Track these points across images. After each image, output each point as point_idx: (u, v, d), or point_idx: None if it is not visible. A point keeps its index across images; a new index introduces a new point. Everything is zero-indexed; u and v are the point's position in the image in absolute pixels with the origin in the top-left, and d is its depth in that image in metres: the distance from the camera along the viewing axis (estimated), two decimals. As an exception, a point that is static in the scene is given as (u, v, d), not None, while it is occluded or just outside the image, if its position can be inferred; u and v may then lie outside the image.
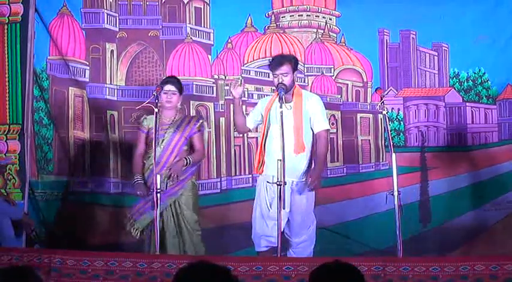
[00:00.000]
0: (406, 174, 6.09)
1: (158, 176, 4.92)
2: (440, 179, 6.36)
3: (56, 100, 6.32)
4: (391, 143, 4.87)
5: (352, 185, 6.46)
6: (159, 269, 4.31)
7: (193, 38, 6.49)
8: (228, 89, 6.03)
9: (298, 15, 6.65)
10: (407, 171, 6.18)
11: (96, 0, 6.41)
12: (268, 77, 5.80)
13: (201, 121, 5.64)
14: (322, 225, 5.66)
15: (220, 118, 6.50)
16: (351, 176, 6.49)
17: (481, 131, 6.44)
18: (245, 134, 6.46)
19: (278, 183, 4.66)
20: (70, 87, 6.35)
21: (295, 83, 5.29)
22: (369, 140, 6.57)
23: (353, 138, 6.56)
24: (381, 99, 5.00)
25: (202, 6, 6.54)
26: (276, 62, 5.22)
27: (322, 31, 6.62)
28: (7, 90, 6.04)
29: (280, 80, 5.10)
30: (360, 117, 6.58)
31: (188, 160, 5.39)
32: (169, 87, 5.41)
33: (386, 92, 6.37)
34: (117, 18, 6.49)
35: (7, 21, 6.09)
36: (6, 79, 6.05)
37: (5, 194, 5.89)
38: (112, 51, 6.48)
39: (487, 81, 6.41)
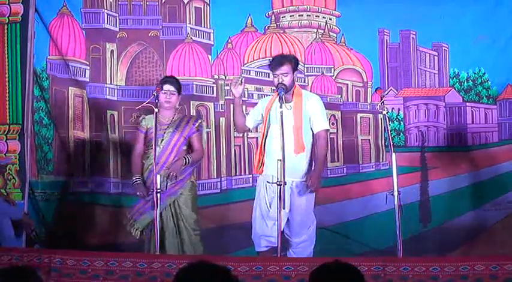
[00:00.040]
0: (406, 174, 6.09)
1: (158, 176, 4.92)
2: (440, 179, 6.36)
3: (56, 100, 6.32)
4: (391, 143, 4.87)
5: (352, 185, 6.46)
6: (159, 269, 4.30)
7: (194, 38, 6.49)
8: (228, 88, 6.05)
9: (298, 15, 6.65)
10: (408, 171, 6.18)
11: (96, 0, 6.41)
12: (268, 77, 5.80)
13: (199, 121, 5.65)
14: (322, 225, 5.66)
15: (221, 118, 6.50)
16: (351, 176, 6.49)
17: (481, 131, 6.44)
18: (245, 134, 6.46)
19: (278, 183, 4.67)
20: (70, 87, 6.35)
21: (295, 83, 5.29)
22: (369, 140, 6.57)
23: (353, 138, 6.56)
24: (381, 99, 5.00)
25: (202, 6, 6.54)
26: (276, 62, 5.22)
27: (322, 31, 6.62)
28: (7, 90, 6.04)
29: (280, 80, 5.10)
30: (360, 117, 6.58)
31: (187, 159, 5.40)
32: (168, 87, 5.41)
33: (386, 92, 6.37)
34: (117, 18, 6.49)
35: (7, 21, 6.09)
36: (6, 79, 6.05)
37: (5, 194, 5.89)
38: (112, 51, 6.48)
39: (487, 81, 6.41)
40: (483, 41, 6.28)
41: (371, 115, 6.56)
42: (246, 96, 6.35)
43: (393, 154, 4.78)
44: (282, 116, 4.81)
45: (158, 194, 4.88)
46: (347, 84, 6.63)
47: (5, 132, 6.04)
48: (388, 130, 4.91)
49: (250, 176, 6.41)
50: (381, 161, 6.51)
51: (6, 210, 5.51)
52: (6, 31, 6.07)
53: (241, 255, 5.54)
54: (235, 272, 4.09)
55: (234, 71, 6.47)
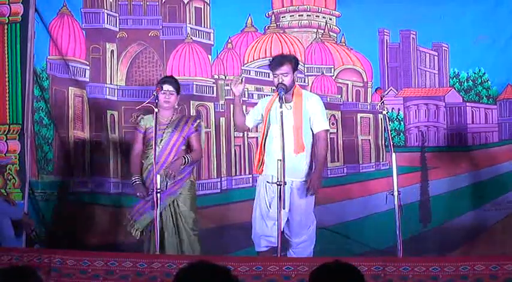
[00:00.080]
0: (406, 174, 6.09)
1: (158, 176, 4.92)
2: (441, 179, 6.35)
3: (56, 100, 6.32)
4: (391, 143, 4.87)
5: (352, 185, 6.46)
6: (159, 269, 4.30)
7: (194, 38, 6.49)
8: (229, 88, 6.06)
9: (299, 15, 6.65)
10: (408, 171, 6.18)
11: (96, 0, 6.41)
12: (268, 77, 5.81)
13: (198, 121, 5.65)
14: (322, 225, 5.67)
15: (221, 118, 6.50)
16: (351, 176, 6.49)
17: (481, 131, 6.44)
18: (245, 134, 6.47)
19: (278, 183, 4.66)
20: (70, 87, 6.35)
21: (296, 83, 5.29)
22: (369, 140, 6.57)
23: (353, 138, 6.56)
24: (381, 99, 5.00)
25: (202, 6, 6.54)
26: (276, 62, 5.22)
27: (322, 31, 6.62)
28: (7, 90, 6.04)
29: (280, 80, 5.11)
30: (360, 117, 6.58)
31: (187, 159, 5.41)
32: (167, 87, 5.42)
33: (386, 92, 6.37)
34: (117, 18, 6.49)
35: (7, 21, 6.09)
36: (6, 79, 6.05)
37: (5, 194, 5.89)
38: (112, 51, 6.48)
39: (487, 81, 6.41)
40: (483, 41, 6.28)
41: (371, 115, 6.56)
42: (246, 96, 6.35)
43: (393, 154, 4.78)
44: (282, 116, 4.81)
45: (158, 194, 4.88)
46: (347, 84, 6.63)
47: (5, 132, 6.04)
48: (388, 130, 4.91)
49: (250, 176, 6.41)
50: (381, 161, 6.51)
51: (6, 210, 5.51)
52: (6, 31, 6.07)
53: (241, 255, 5.54)
54: (235, 272, 4.09)
55: (234, 71, 6.46)
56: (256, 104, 5.66)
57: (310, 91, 6.21)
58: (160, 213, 5.12)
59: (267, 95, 6.03)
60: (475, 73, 6.42)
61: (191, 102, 6.45)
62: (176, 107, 5.59)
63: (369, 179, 6.44)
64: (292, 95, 5.20)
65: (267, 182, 5.02)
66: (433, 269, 4.16)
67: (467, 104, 6.46)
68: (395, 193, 4.70)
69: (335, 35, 6.62)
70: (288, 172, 4.74)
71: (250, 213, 5.29)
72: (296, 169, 5.08)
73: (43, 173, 6.24)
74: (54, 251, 4.49)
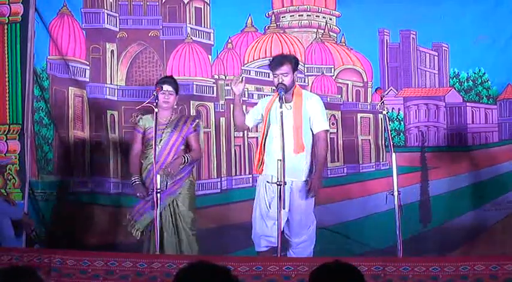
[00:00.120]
0: (406, 174, 6.09)
1: (158, 176, 4.92)
2: (441, 179, 6.35)
3: (56, 100, 6.32)
4: (391, 143, 4.87)
5: (352, 185, 6.46)
6: (159, 269, 4.31)
7: (194, 38, 6.49)
8: (229, 88, 6.07)
9: (299, 15, 6.65)
10: (408, 171, 6.18)
11: (96, 0, 6.41)
12: (269, 77, 5.81)
13: (197, 120, 5.65)
14: (322, 225, 5.67)
15: (221, 118, 6.50)
16: (351, 176, 6.49)
17: (481, 131, 6.44)
18: (245, 134, 6.47)
19: (278, 183, 4.66)
20: (70, 87, 6.35)
21: (296, 83, 5.29)
22: (369, 140, 6.57)
23: (353, 138, 6.56)
24: (381, 99, 5.00)
25: (202, 6, 6.54)
26: (276, 62, 5.22)
27: (322, 31, 6.61)
28: (7, 90, 6.05)
29: (280, 80, 5.11)
30: (360, 117, 6.58)
31: (186, 158, 5.42)
32: (167, 87, 5.42)
33: (386, 92, 6.37)
34: (118, 18, 6.49)
35: (7, 21, 6.09)
36: (6, 79, 6.05)
37: (5, 194, 5.89)
38: (112, 51, 6.48)
39: (487, 81, 6.40)
40: (483, 41, 6.28)
41: (371, 115, 6.56)
42: (246, 96, 6.35)
43: (393, 154, 4.78)
44: (282, 116, 4.81)
45: (158, 194, 4.89)
46: (347, 84, 6.63)
47: (5, 132, 6.05)
48: (388, 130, 4.92)
49: (250, 176, 6.41)
50: (381, 161, 6.51)
51: (6, 210, 5.51)
52: (6, 31, 6.08)
53: (241, 255, 5.53)
54: (235, 272, 4.09)
55: (234, 71, 6.46)
56: (256, 104, 5.66)
57: (310, 91, 6.21)
58: (160, 213, 5.12)
59: (267, 95, 6.03)
60: (475, 73, 6.42)
61: (191, 102, 6.44)
62: (175, 107, 5.59)
63: (368, 179, 6.44)
64: (292, 94, 5.20)
65: (267, 182, 5.02)
66: (433, 269, 4.16)
67: (468, 104, 6.46)
68: (395, 193, 4.70)
69: (335, 35, 6.62)
70: (287, 172, 4.74)
71: (250, 213, 5.29)
72: (296, 169, 5.08)
73: (43, 173, 6.24)
74: (54, 251, 4.49)
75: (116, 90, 6.46)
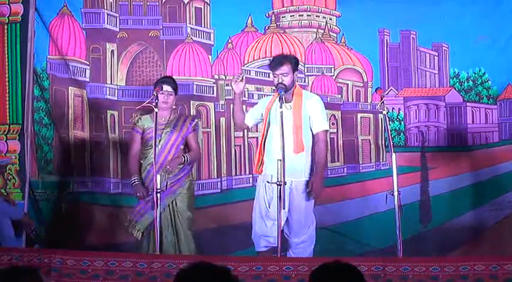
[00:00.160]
0: (406, 174, 6.09)
1: (158, 176, 4.92)
2: (441, 179, 6.35)
3: (56, 100, 6.32)
4: (391, 143, 4.88)
5: (352, 185, 6.46)
6: (159, 269, 4.31)
7: (194, 38, 6.49)
8: (229, 88, 6.08)
9: (299, 15, 6.65)
10: (408, 171, 6.18)
11: (96, 0, 6.41)
12: (269, 77, 5.81)
13: (196, 120, 5.66)
14: (322, 225, 5.67)
15: (221, 118, 6.50)
16: (351, 176, 6.49)
17: (481, 131, 6.44)
18: (245, 134, 6.47)
19: (278, 183, 4.66)
20: (70, 87, 6.35)
21: (296, 83, 5.29)
22: (369, 140, 6.57)
23: (353, 138, 6.56)
24: (381, 99, 5.00)
25: (202, 6, 6.54)
26: (276, 62, 5.22)
27: (322, 31, 6.62)
28: (7, 90, 6.05)
29: (280, 80, 5.10)
30: (360, 117, 6.58)
31: (186, 158, 5.43)
32: (166, 87, 5.43)
33: (386, 92, 6.37)
34: (118, 18, 6.49)
35: (7, 21, 6.09)
36: (6, 79, 6.05)
37: (5, 194, 5.89)
38: (112, 51, 6.48)
39: (488, 81, 6.40)
40: (483, 41, 6.28)
41: (371, 115, 6.56)
42: (246, 96, 6.35)
43: (393, 154, 4.78)
44: (282, 116, 4.81)
45: (158, 194, 4.89)
46: (347, 84, 6.63)
47: (5, 132, 6.05)
48: (388, 130, 4.92)
49: (251, 175, 6.41)
50: (381, 161, 6.51)
51: (6, 210, 5.51)
52: (6, 31, 6.08)
53: (241, 255, 5.54)
54: (235, 272, 4.09)
55: (234, 71, 6.46)
56: (256, 103, 5.67)
57: (311, 91, 6.21)
58: (160, 214, 5.12)
59: (267, 95, 6.03)
60: (475, 73, 6.42)
61: (191, 102, 6.44)
62: (174, 107, 5.59)
63: (368, 179, 6.44)
64: (292, 94, 5.20)
65: (267, 182, 5.01)
66: (433, 269, 4.16)
67: (468, 104, 6.46)
68: (396, 193, 4.70)
69: (335, 35, 6.62)
70: (287, 172, 4.74)
71: (250, 213, 5.29)
72: (296, 169, 5.08)
73: (43, 173, 6.24)
74: (54, 251, 4.49)
75: (116, 90, 6.46)
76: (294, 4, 6.64)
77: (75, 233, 6.13)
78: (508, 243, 6.01)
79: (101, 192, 6.36)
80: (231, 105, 6.22)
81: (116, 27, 6.49)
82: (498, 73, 6.35)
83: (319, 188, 5.12)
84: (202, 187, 6.35)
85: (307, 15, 6.65)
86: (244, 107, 5.66)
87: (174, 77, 5.83)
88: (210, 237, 6.04)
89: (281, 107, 4.85)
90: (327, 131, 5.31)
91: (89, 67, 6.40)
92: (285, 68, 5.14)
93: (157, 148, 5.26)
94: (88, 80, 6.40)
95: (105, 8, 6.42)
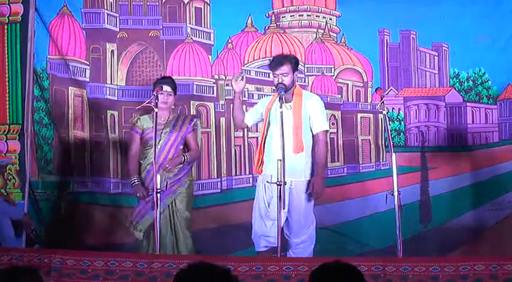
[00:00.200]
0: (406, 174, 6.09)
1: (158, 176, 4.92)
2: (441, 179, 6.35)
3: (56, 100, 6.32)
4: (391, 143, 4.87)
5: (352, 185, 6.45)
6: (159, 269, 4.30)
7: (194, 38, 6.49)
8: (229, 88, 6.09)
9: (299, 15, 6.65)
10: (408, 171, 6.18)
11: (96, 0, 6.41)
12: (269, 77, 5.81)
13: (195, 120, 5.67)
14: (322, 225, 5.67)
15: (221, 118, 6.50)
16: (351, 176, 6.49)
17: (481, 131, 6.44)
18: (245, 134, 6.47)
19: (278, 183, 4.66)
20: (70, 87, 6.35)
21: (296, 83, 5.29)
22: (369, 140, 6.57)
23: (353, 138, 6.56)
24: (381, 99, 5.00)
25: (202, 6, 6.54)
26: (276, 62, 5.22)
27: (322, 31, 6.62)
28: (7, 90, 6.05)
29: (280, 80, 5.10)
30: (360, 117, 6.58)
31: (186, 157, 5.43)
32: (166, 87, 5.43)
33: (386, 92, 6.37)
34: (118, 18, 6.49)
35: (7, 21, 6.09)
36: (6, 79, 6.05)
37: (5, 194, 5.89)
38: (112, 51, 6.48)
39: (488, 81, 6.40)
40: (483, 41, 6.28)
41: (371, 115, 6.56)
42: (246, 96, 6.35)
43: (393, 154, 4.78)
44: (282, 116, 4.81)
45: (158, 194, 4.89)
46: (347, 84, 6.63)
47: (5, 132, 6.05)
48: (388, 130, 4.92)
49: (251, 175, 6.41)
50: (381, 161, 6.51)
51: (6, 210, 5.51)
52: (6, 31, 6.08)
53: (241, 255, 5.53)
54: (235, 272, 4.09)
55: (234, 71, 6.46)
56: (256, 103, 5.67)
57: (311, 91, 6.21)
58: (161, 214, 5.11)
59: (267, 95, 6.03)
60: (475, 73, 6.42)
61: (191, 102, 6.44)
62: (172, 107, 5.59)
63: (368, 179, 6.44)
64: (292, 94, 5.20)
65: (267, 181, 5.01)
66: (433, 269, 4.16)
67: (468, 104, 6.46)
68: (396, 193, 4.70)
69: (335, 35, 6.62)
70: (287, 172, 4.73)
71: (250, 213, 5.29)
72: (295, 169, 5.08)
73: (43, 173, 6.24)
74: (54, 251, 4.49)
75: (116, 90, 6.46)
76: (294, 4, 6.64)
77: (75, 233, 6.13)
78: (508, 243, 6.01)
79: (101, 192, 6.36)
80: (231, 105, 6.22)
81: (116, 27, 6.49)
82: (498, 73, 6.35)
83: (321, 189, 5.12)
84: (202, 187, 6.35)
85: (307, 15, 6.65)
86: (244, 107, 5.66)
87: (174, 77, 5.84)
88: (210, 237, 6.04)
89: (281, 107, 4.85)
90: (327, 131, 5.31)
91: (89, 67, 6.40)
92: (285, 68, 5.14)
93: (156, 148, 5.26)
94: (88, 80, 6.40)
95: (105, 8, 6.42)
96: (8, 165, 6.01)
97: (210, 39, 6.53)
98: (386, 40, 6.51)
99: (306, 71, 6.52)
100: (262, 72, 6.52)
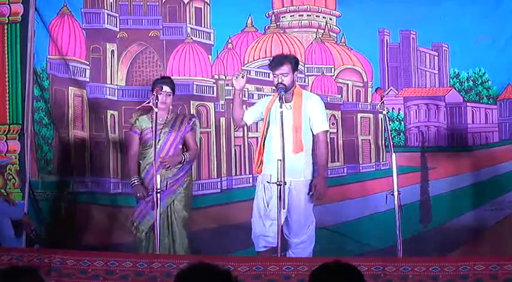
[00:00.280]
0: (407, 174, 6.09)
1: (158, 176, 4.92)
2: (441, 179, 6.35)
3: (56, 100, 6.32)
4: (391, 143, 4.88)
5: (352, 185, 6.45)
6: (159, 269, 4.31)
7: (194, 38, 6.49)
8: (229, 88, 6.10)
9: (299, 15, 6.65)
10: (408, 171, 6.18)
11: (96, 1, 6.41)
12: (269, 77, 5.80)
13: (193, 119, 5.67)
14: (322, 225, 5.67)
15: (221, 118, 6.50)
16: (351, 176, 6.49)
17: (481, 131, 6.44)
18: (245, 134, 6.47)
19: (278, 183, 4.66)
20: (70, 87, 6.35)
21: (296, 83, 5.29)
22: (369, 140, 6.57)
23: (353, 138, 6.56)
24: (381, 99, 5.00)
25: (202, 6, 6.54)
26: (276, 62, 5.22)
27: (322, 31, 6.62)
28: (7, 90, 6.05)
29: (280, 80, 5.10)
30: (360, 117, 6.58)
31: (185, 157, 5.43)
32: (165, 88, 5.43)
33: (386, 92, 6.37)
34: (118, 18, 6.49)
35: (7, 21, 6.09)
36: (6, 79, 6.05)
37: (5, 194, 5.89)
38: (112, 51, 6.48)
39: (488, 81, 6.40)
40: (483, 41, 6.28)
41: (371, 115, 6.56)
42: (246, 96, 6.35)
43: (393, 154, 4.78)
44: (281, 116, 4.81)
45: (158, 194, 4.89)
46: (347, 84, 6.63)
47: (5, 132, 6.05)
48: (388, 130, 4.92)
49: (251, 175, 6.41)
50: (381, 161, 6.51)
51: (6, 210, 5.51)
52: (6, 31, 6.08)
53: (241, 255, 5.53)
54: (235, 272, 4.09)
55: (234, 71, 6.45)
56: (256, 103, 5.67)
57: (311, 91, 6.21)
58: (161, 214, 5.11)
59: (267, 95, 6.03)
60: (475, 73, 6.42)
61: (191, 102, 6.44)
62: (171, 107, 5.60)
63: (368, 179, 6.44)
64: (292, 94, 5.20)
65: (267, 181, 5.01)
66: (433, 269, 4.16)
67: (468, 104, 6.46)
68: (396, 193, 4.70)
69: (335, 35, 6.62)
70: (286, 172, 4.73)
71: (250, 213, 5.29)
72: (295, 169, 5.07)
73: (43, 173, 6.25)
74: (54, 251, 4.49)
75: (116, 90, 6.46)
76: (294, 4, 6.64)
77: (75, 233, 6.13)
78: (508, 243, 6.01)
79: (101, 192, 6.36)
80: (231, 105, 6.22)
81: (116, 27, 6.49)
82: (498, 73, 6.36)
83: (323, 189, 5.12)
84: (202, 187, 6.35)
85: (307, 15, 6.65)
86: (244, 107, 5.66)
87: (174, 77, 5.84)
88: (210, 237, 6.04)
89: (281, 107, 4.85)
90: (327, 131, 5.31)
91: (89, 67, 6.40)
92: (285, 68, 5.14)
93: (156, 148, 5.26)
94: (88, 80, 6.40)
95: (105, 8, 6.42)
96: (8, 165, 6.01)
97: (210, 39, 6.53)
98: (387, 40, 6.51)
99: (306, 71, 6.52)
100: (262, 72, 6.52)
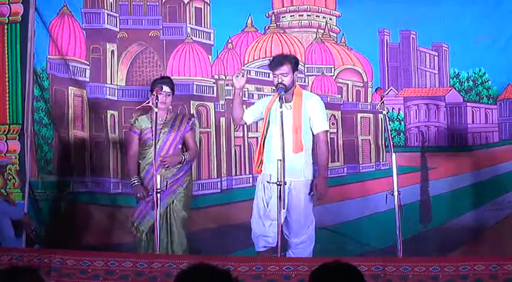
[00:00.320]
0: (407, 174, 6.09)
1: (158, 176, 4.92)
2: (441, 179, 6.35)
3: (56, 100, 6.32)
4: (391, 143, 4.88)
5: (352, 185, 6.45)
6: (159, 269, 4.31)
7: (194, 38, 6.49)
8: (229, 88, 6.10)
9: (299, 15, 6.65)
10: (408, 171, 6.18)
11: (96, 1, 6.41)
12: (269, 77, 5.81)
13: (193, 119, 5.67)
14: (321, 225, 5.67)
15: (221, 118, 6.50)
16: (351, 176, 6.49)
17: (481, 131, 6.44)
18: (245, 134, 6.47)
19: (278, 183, 4.66)
20: (70, 87, 6.35)
21: (296, 83, 5.29)
22: (369, 140, 6.57)
23: (353, 138, 6.56)
24: (381, 99, 5.00)
25: (202, 6, 6.54)
26: (276, 62, 5.22)
27: (322, 31, 6.61)
28: (7, 90, 6.05)
29: (280, 80, 5.10)
30: (360, 117, 6.58)
31: (185, 157, 5.44)
32: (165, 88, 5.43)
33: (386, 92, 6.37)
34: (118, 18, 6.49)
35: (7, 21, 6.09)
36: (6, 79, 6.05)
37: (5, 194, 5.89)
38: (112, 51, 6.48)
39: (488, 81, 6.40)
40: (483, 41, 6.28)
41: (371, 115, 6.56)
42: (246, 96, 6.35)
43: (393, 154, 4.78)
44: (281, 116, 4.81)
45: (158, 194, 4.89)
46: (347, 84, 6.63)
47: (5, 132, 6.05)
48: (388, 130, 4.92)
49: (251, 175, 6.41)
50: (381, 161, 6.51)
51: (6, 210, 5.51)
52: (6, 31, 6.07)
53: (241, 255, 5.53)
54: (235, 272, 4.09)
55: (234, 71, 6.44)
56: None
57: (311, 91, 6.21)
58: (161, 214, 5.11)
59: (267, 95, 6.03)
60: (475, 73, 6.42)
61: (191, 102, 6.44)
62: (170, 107, 5.60)
63: (368, 179, 6.44)
64: (292, 94, 5.20)
65: (267, 181, 5.01)
66: (433, 269, 4.16)
67: (468, 104, 6.46)
68: (396, 193, 4.70)
69: (335, 35, 6.62)
70: (286, 172, 4.73)
71: (250, 213, 5.29)
72: (294, 169, 5.07)
73: (43, 173, 6.24)
74: (54, 251, 4.49)
75: (116, 90, 6.46)
76: (294, 4, 6.64)
77: (75, 233, 6.13)
78: (508, 243, 6.01)
79: (101, 192, 6.36)
80: (231, 104, 6.22)
81: (116, 27, 6.49)
82: (498, 73, 6.36)
83: (324, 189, 5.13)
84: (202, 187, 6.35)
85: (307, 15, 6.65)
86: (244, 107, 5.66)
87: (174, 77, 5.84)
88: (209, 237, 6.04)
89: (281, 107, 4.85)
90: (327, 131, 5.31)
91: (89, 67, 6.40)
92: (285, 68, 5.14)
93: (156, 148, 5.27)
94: (88, 80, 6.40)
95: (105, 8, 6.42)
96: (8, 165, 6.00)
97: (210, 39, 6.53)
98: (386, 40, 6.51)
99: (306, 71, 6.52)
100: (262, 72, 6.52)
